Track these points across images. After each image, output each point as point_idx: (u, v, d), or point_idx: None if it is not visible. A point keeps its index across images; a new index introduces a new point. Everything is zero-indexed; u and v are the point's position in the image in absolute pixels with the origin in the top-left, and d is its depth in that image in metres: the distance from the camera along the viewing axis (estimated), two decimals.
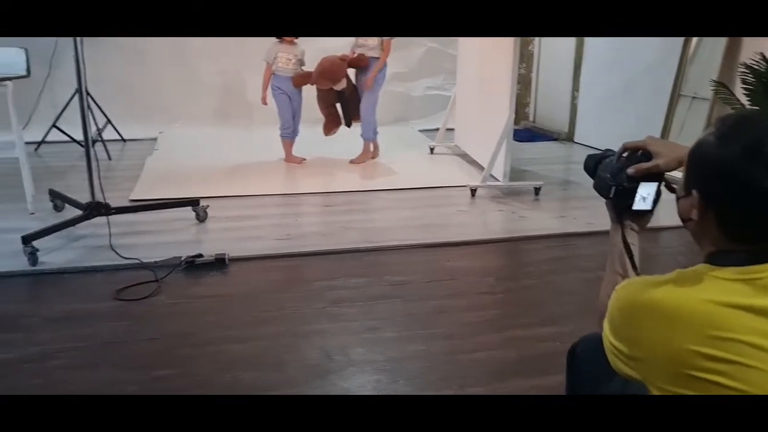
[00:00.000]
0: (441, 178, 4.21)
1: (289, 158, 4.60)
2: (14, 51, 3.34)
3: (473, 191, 3.83)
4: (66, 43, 3.88)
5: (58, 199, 3.36)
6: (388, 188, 4.00)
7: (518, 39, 3.63)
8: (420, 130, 5.95)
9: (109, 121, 5.10)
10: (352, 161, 4.63)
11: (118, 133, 5.26)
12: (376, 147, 4.69)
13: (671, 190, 1.22)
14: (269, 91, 4.50)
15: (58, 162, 4.62)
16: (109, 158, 4.68)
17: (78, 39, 2.83)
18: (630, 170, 1.27)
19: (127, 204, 3.50)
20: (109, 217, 2.97)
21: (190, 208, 3.29)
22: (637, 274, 1.31)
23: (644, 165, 1.25)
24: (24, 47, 3.40)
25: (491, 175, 3.89)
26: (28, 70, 3.40)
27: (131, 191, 3.79)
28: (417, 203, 3.71)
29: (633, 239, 1.36)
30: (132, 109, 5.45)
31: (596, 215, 3.33)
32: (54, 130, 4.91)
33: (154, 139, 5.35)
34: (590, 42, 5.23)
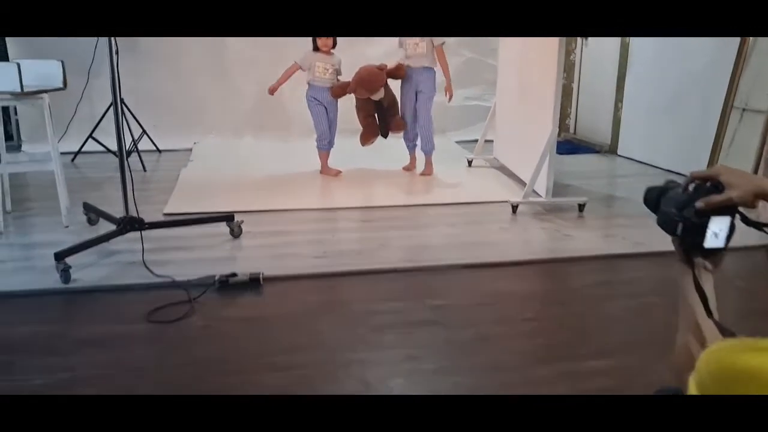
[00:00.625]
0: (481, 193, 4.09)
1: (325, 170, 4.53)
2: (51, 63, 3.32)
3: (514, 207, 3.69)
4: (104, 53, 3.86)
5: (92, 213, 3.32)
6: (427, 203, 3.89)
7: (562, 49, 3.49)
8: (457, 141, 5.84)
9: (144, 132, 5.08)
10: (405, 168, 4.63)
11: (154, 144, 5.24)
12: (429, 164, 4.58)
13: (748, 223, 1.09)
14: (305, 101, 4.43)
15: (94, 173, 4.62)
16: (144, 169, 4.66)
17: (114, 49, 2.78)
18: (699, 204, 1.12)
19: (161, 218, 3.46)
20: (143, 232, 2.91)
21: (224, 223, 3.22)
22: (714, 321, 1.17)
23: (716, 198, 1.11)
24: (61, 59, 3.37)
25: (533, 191, 3.75)
26: (65, 82, 3.38)
27: (165, 204, 3.74)
28: (457, 219, 3.59)
29: (706, 281, 1.21)
30: (167, 120, 5.44)
31: (645, 235, 3.17)
32: (91, 140, 4.92)
33: (189, 150, 5.33)
34: (635, 51, 5.05)
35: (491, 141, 4.94)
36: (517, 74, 4.27)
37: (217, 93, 5.65)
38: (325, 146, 4.49)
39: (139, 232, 2.91)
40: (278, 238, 3.25)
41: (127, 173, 2.89)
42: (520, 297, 2.63)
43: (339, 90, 4.38)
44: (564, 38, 3.48)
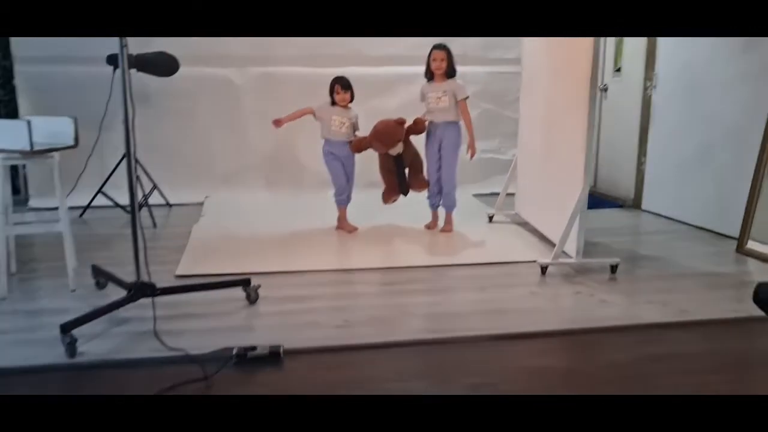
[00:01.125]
0: (506, 252, 3.91)
1: (343, 225, 4.37)
2: (63, 120, 3.20)
3: (544, 269, 3.51)
4: (116, 107, 3.77)
5: (101, 276, 3.15)
6: (451, 263, 3.70)
7: (594, 102, 3.36)
8: (474, 195, 5.69)
9: (155, 187, 4.95)
10: (427, 226, 4.48)
11: (164, 198, 5.11)
12: (449, 221, 4.43)
13: None
14: (321, 156, 4.30)
15: (103, 229, 4.47)
16: (155, 225, 4.51)
17: (129, 102, 2.64)
18: None
19: (173, 280, 3.29)
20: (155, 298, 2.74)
21: (240, 287, 3.04)
22: None
23: None
24: (74, 116, 3.25)
25: (563, 252, 3.57)
26: (77, 139, 3.25)
27: (177, 264, 3.58)
28: (483, 282, 3.40)
29: None
30: (178, 173, 5.32)
31: (687, 301, 2.98)
32: (100, 194, 4.79)
33: (201, 204, 5.20)
34: (657, 103, 4.93)
35: (512, 194, 4.78)
36: (542, 127, 4.13)
37: (229, 146, 5.55)
38: (343, 201, 4.36)
39: (150, 298, 2.74)
40: (296, 304, 3.06)
41: (139, 233, 2.73)
42: (563, 375, 2.42)
43: (358, 144, 4.26)
44: (594, 91, 3.35)
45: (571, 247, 3.54)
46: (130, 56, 4.65)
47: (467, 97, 4.23)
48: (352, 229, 4.35)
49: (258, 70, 5.47)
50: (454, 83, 4.21)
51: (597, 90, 3.35)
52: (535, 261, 3.61)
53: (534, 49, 4.31)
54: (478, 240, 4.24)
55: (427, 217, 4.52)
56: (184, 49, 4.73)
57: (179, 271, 3.45)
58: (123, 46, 2.63)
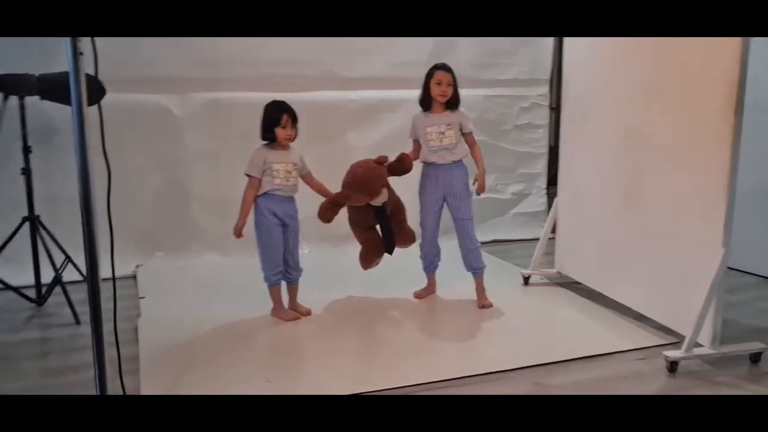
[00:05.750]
0: (589, 338, 2.89)
1: (280, 312, 3.17)
2: None
3: (673, 364, 2.52)
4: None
5: None
6: (507, 367, 2.58)
7: (739, 134, 2.42)
8: None
9: (68, 259, 3.54)
10: (417, 294, 3.50)
11: (80, 273, 3.69)
12: (482, 289, 3.37)
13: None
14: (252, 216, 3.09)
15: None
16: (77, 321, 3.13)
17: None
18: None
19: None
20: None
21: None
22: None
23: None
24: None
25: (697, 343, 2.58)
26: None
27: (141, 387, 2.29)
28: (597, 388, 2.35)
29: None
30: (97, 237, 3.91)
31: None
32: None
33: (132, 278, 3.83)
34: None
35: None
36: (617, 165, 3.13)
37: (166, 197, 4.19)
38: (277, 280, 3.13)
39: None
40: None
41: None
42: None
43: (329, 209, 3.11)
44: (739, 120, 2.41)
45: (704, 333, 2.56)
46: (30, 78, 3.33)
47: (472, 131, 3.34)
48: (296, 316, 3.16)
49: (203, 97, 4.15)
50: (459, 114, 3.26)
51: (741, 118, 2.41)
52: (638, 349, 2.66)
53: (593, 64, 3.33)
54: (535, 320, 3.21)
55: (413, 279, 3.50)
56: (106, 69, 3.39)
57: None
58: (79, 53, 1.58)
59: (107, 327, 2.13)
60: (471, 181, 3.35)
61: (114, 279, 1.99)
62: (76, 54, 1.58)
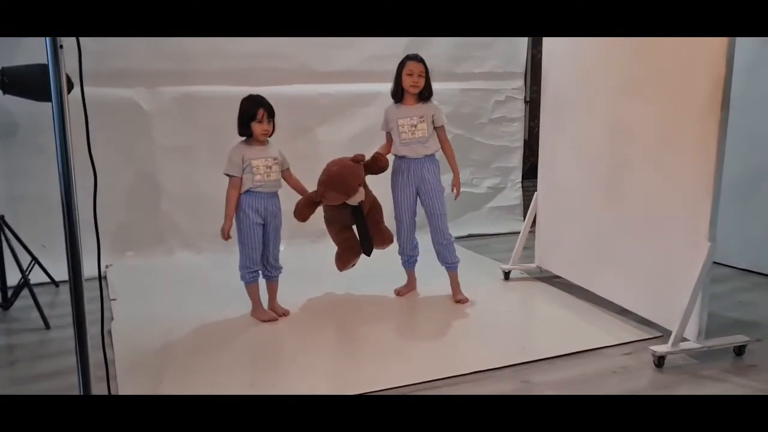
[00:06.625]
0: (575, 333, 2.88)
1: (257, 312, 3.10)
2: None
3: (660, 359, 2.52)
4: None
5: None
6: (486, 367, 2.54)
7: (724, 129, 2.42)
8: None
9: (35, 260, 3.40)
10: (399, 291, 3.45)
11: (48, 275, 3.56)
12: (457, 283, 3.34)
13: None
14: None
15: None
16: (47, 326, 3.00)
17: None
18: None
19: None
20: None
21: None
22: None
23: None
24: None
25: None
26: None
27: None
28: (586, 388, 2.33)
29: None
30: (61, 236, 3.76)
31: None
32: None
33: (103, 278, 3.69)
34: None
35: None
36: (598, 161, 3.12)
37: (135, 194, 4.05)
38: (252, 278, 3.06)
39: None
40: None
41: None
42: None
43: (305, 207, 3.09)
44: (725, 115, 2.41)
45: (691, 327, 2.56)
46: None
47: (445, 124, 3.30)
48: (275, 316, 3.08)
49: (173, 91, 4.01)
50: (432, 106, 3.22)
51: (727, 113, 2.41)
52: (621, 344, 2.66)
53: (574, 56, 3.30)
54: (514, 317, 3.21)
55: (393, 275, 3.47)
56: (69, 61, 3.25)
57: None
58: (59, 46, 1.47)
59: (71, 333, 2.04)
60: (443, 177, 3.31)
61: (100, 280, 1.87)
62: (56, 47, 1.47)
